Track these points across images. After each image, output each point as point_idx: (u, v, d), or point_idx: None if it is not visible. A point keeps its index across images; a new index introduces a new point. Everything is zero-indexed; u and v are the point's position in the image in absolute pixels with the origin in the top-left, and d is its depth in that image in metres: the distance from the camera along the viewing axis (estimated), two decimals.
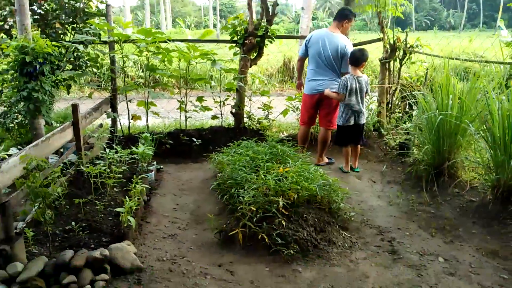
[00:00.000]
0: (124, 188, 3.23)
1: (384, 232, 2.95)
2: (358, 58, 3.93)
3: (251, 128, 5.16)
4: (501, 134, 2.97)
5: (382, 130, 4.97)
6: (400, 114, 5.17)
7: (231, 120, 5.53)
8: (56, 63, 4.80)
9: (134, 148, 3.79)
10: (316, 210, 2.91)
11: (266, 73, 11.05)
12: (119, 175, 3.26)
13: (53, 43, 3.67)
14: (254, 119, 5.23)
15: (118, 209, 2.67)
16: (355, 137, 4.18)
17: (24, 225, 2.41)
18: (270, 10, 5.09)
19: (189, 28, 36.43)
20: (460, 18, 56.19)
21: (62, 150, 3.80)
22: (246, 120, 5.24)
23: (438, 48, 5.38)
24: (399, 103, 5.13)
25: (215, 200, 3.40)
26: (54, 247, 2.47)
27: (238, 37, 5.10)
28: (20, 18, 3.47)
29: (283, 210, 2.74)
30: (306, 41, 4.31)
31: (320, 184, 2.99)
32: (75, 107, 3.45)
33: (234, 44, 5.22)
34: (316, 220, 2.79)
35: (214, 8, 40.08)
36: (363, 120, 4.14)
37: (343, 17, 4.18)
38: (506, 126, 2.93)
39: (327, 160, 4.56)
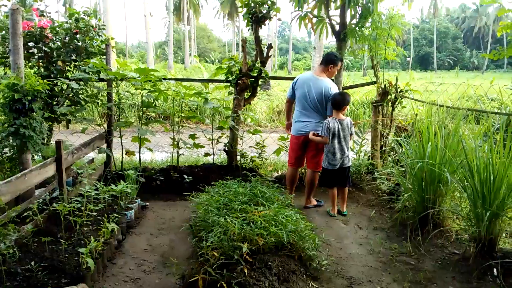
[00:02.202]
0: (98, 227, 3.23)
1: (355, 284, 2.82)
2: (339, 102, 3.96)
3: (243, 166, 5.15)
4: (479, 186, 2.86)
5: (375, 174, 4.87)
6: (396, 158, 5.07)
7: (224, 157, 5.55)
8: (56, 99, 5.04)
9: (119, 185, 3.83)
10: (284, 257, 2.82)
11: (260, 111, 11.17)
12: (93, 213, 3.29)
13: (45, 81, 3.82)
14: (247, 157, 5.24)
15: (80, 250, 2.66)
16: (341, 179, 4.12)
17: None
18: (264, 52, 5.21)
19: (213, 63, 37.60)
20: (484, 58, 56.01)
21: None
22: (239, 158, 5.25)
23: (453, 88, 5.22)
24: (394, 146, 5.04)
25: (191, 242, 3.36)
26: (14, 286, 2.47)
27: (233, 77, 5.20)
28: (13, 58, 3.64)
29: (247, 257, 2.68)
30: (293, 83, 4.38)
31: (289, 230, 2.92)
32: (58, 144, 3.54)
33: (229, 84, 5.33)
34: (281, 268, 2.70)
35: (238, 45, 41.33)
36: (348, 163, 4.08)
37: (329, 62, 4.25)
38: (483, 178, 2.82)
39: (315, 202, 4.48)
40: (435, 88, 5.54)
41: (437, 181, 3.36)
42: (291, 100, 4.50)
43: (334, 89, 4.16)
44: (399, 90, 4.77)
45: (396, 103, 4.82)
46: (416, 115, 4.40)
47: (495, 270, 2.69)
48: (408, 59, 54.73)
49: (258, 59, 5.22)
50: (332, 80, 4.91)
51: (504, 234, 3.30)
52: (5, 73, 4.84)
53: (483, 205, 2.83)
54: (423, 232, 3.43)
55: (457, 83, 5.29)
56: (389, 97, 4.82)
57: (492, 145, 2.96)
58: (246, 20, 5.23)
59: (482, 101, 7.08)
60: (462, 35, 66.19)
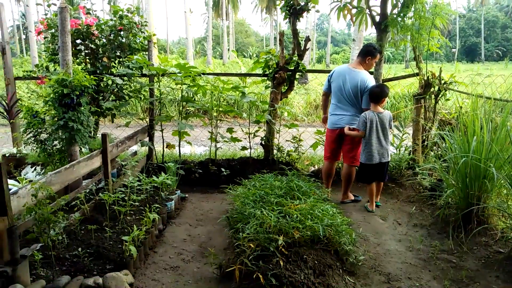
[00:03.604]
0: (140, 217, 3.38)
1: (392, 281, 2.77)
2: (377, 95, 3.86)
3: (280, 160, 5.17)
4: None
5: (416, 169, 4.72)
6: (439, 153, 4.89)
7: (261, 151, 5.59)
8: (102, 94, 5.28)
9: (160, 177, 3.98)
10: (320, 251, 2.82)
11: (298, 105, 11.06)
12: (136, 204, 3.43)
13: (92, 76, 4.01)
14: (284, 151, 5.25)
15: (124, 238, 2.79)
16: (379, 174, 4.04)
17: (38, 247, 2.60)
18: (302, 45, 5.17)
19: (250, 58, 37.75)
20: None
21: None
22: (275, 152, 5.27)
23: (501, 80, 4.95)
24: (437, 140, 4.86)
25: (227, 233, 3.43)
26: (62, 271, 2.63)
27: (270, 71, 5.21)
28: (62, 54, 3.86)
29: (282, 249, 2.70)
30: (329, 76, 4.33)
31: (325, 224, 2.90)
32: (104, 137, 3.72)
33: (266, 78, 5.34)
34: (317, 262, 2.70)
35: (275, 39, 41.16)
36: (387, 158, 3.99)
37: (366, 53, 4.15)
38: None
39: (352, 197, 4.42)
40: (482, 80, 5.27)
41: (482, 177, 3.22)
42: (327, 93, 4.46)
43: (370, 82, 4.07)
44: (442, 82, 4.58)
45: (440, 95, 4.64)
46: (461, 108, 4.21)
47: None
48: (453, 50, 52.19)
49: (296, 52, 5.19)
50: (372, 72, 4.82)
51: None
52: (55, 69, 5.13)
53: None
54: (466, 230, 3.29)
55: (506, 75, 4.99)
56: (432, 89, 4.65)
57: None
58: (284, 13, 5.22)
59: None
60: None
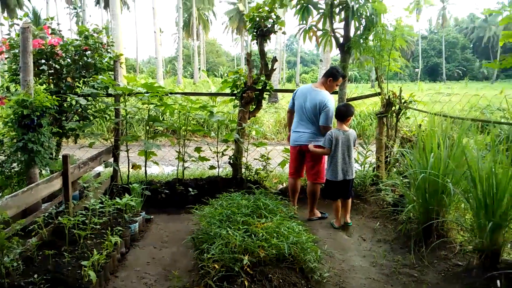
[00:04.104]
0: (102, 240, 3.27)
1: None
2: (343, 113, 3.98)
3: (248, 178, 5.17)
4: (482, 197, 2.84)
5: (380, 185, 4.84)
6: (401, 169, 5.05)
7: (230, 170, 5.58)
8: (65, 114, 5.16)
9: (123, 199, 3.88)
10: (285, 269, 2.83)
11: (267, 123, 11.21)
12: (98, 227, 3.33)
13: (54, 97, 3.92)
14: (252, 169, 5.26)
15: (83, 262, 2.70)
16: (344, 191, 4.11)
17: None
18: (269, 65, 5.28)
19: (221, 77, 38.03)
20: (494, 68, 55.57)
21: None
22: (244, 170, 5.27)
23: (465, 99, 5.18)
24: (399, 157, 5.02)
25: (193, 254, 3.38)
26: None
27: (238, 90, 5.27)
28: (23, 75, 3.75)
29: (247, 269, 2.69)
30: (294, 94, 4.51)
31: (291, 242, 2.92)
32: (65, 158, 3.62)
33: (234, 97, 5.39)
34: (281, 281, 2.70)
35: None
36: (351, 175, 4.08)
37: (329, 75, 4.33)
38: (486, 189, 2.80)
39: (319, 215, 4.47)
40: (441, 99, 5.52)
41: (441, 192, 3.34)
42: (291, 111, 4.57)
43: (329, 102, 4.19)
44: (403, 101, 4.77)
45: (401, 114, 4.82)
46: (420, 125, 4.39)
47: (498, 281, 2.64)
48: (416, 70, 54.55)
49: (263, 72, 5.28)
50: (336, 92, 4.97)
51: (509, 245, 3.25)
52: (16, 90, 4.98)
53: (486, 216, 2.80)
54: (426, 244, 3.39)
55: (462, 94, 5.26)
56: (393, 108, 4.83)
57: (495, 155, 2.94)
58: (251, 35, 5.33)
59: (488, 110, 7.02)
60: (471, 45, 65.88)
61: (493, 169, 2.84)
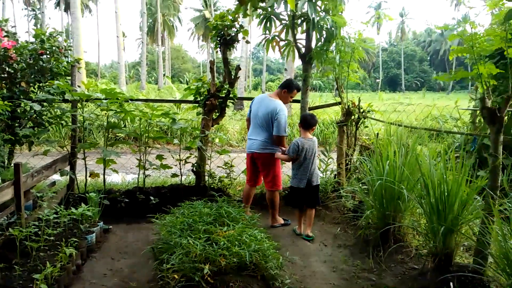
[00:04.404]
0: (56, 252, 3.13)
1: None
2: (309, 122, 4.08)
3: (211, 186, 5.14)
4: (434, 203, 2.97)
5: (341, 191, 4.96)
6: (360, 176, 5.19)
7: (193, 178, 5.53)
8: (18, 121, 4.92)
9: (79, 208, 3.74)
10: (246, 277, 2.82)
11: (233, 131, 11.26)
12: (52, 238, 3.19)
13: (6, 102, 3.74)
14: (215, 177, 5.23)
15: (35, 276, 2.57)
16: (309, 199, 4.13)
17: None
18: (233, 73, 5.30)
19: (187, 84, 37.70)
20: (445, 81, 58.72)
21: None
22: (207, 178, 5.24)
23: (419, 108, 5.40)
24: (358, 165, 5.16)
25: (152, 265, 3.30)
26: None
27: (201, 98, 5.24)
28: None
29: (208, 278, 2.66)
30: (251, 103, 4.59)
31: (252, 249, 2.92)
32: (17, 167, 3.45)
33: (197, 104, 5.36)
34: None
35: None
36: (316, 182, 4.14)
37: (284, 86, 4.47)
38: (438, 195, 2.93)
39: (282, 221, 4.51)
40: (399, 108, 5.76)
41: (396, 198, 3.47)
42: (249, 119, 4.61)
43: (282, 111, 4.25)
44: (361, 110, 4.93)
45: (359, 123, 4.97)
46: (377, 134, 4.55)
47: (451, 284, 2.76)
48: (377, 80, 56.60)
49: (227, 80, 5.29)
50: (298, 100, 5.07)
51: (461, 249, 3.42)
52: None
53: (438, 221, 2.93)
54: (384, 248, 3.49)
55: (419, 104, 5.51)
56: (352, 117, 4.97)
57: (446, 163, 3.09)
58: (214, 43, 5.33)
59: (443, 119, 7.39)
60: (428, 58, 69.30)
61: (444, 176, 2.99)
